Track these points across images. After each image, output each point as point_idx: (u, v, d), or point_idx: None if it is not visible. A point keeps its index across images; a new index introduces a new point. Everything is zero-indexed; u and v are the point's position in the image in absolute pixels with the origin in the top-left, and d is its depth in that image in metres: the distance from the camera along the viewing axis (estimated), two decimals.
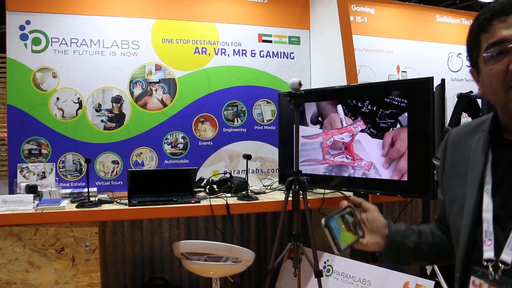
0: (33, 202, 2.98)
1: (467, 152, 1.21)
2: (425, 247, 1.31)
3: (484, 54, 1.04)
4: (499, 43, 1.00)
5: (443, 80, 2.81)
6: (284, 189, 2.96)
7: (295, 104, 2.80)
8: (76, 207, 2.96)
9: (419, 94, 2.82)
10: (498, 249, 1.05)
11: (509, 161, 1.08)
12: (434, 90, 2.81)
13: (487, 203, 1.09)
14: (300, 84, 2.81)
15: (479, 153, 1.15)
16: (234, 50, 3.96)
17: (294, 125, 2.92)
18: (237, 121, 3.97)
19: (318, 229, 3.93)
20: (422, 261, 1.36)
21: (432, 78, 2.77)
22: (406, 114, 2.87)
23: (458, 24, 4.92)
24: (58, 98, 3.51)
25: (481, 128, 1.20)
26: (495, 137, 1.13)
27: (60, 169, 3.51)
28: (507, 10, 1.00)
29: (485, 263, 1.06)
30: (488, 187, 1.10)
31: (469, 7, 11.62)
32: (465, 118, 2.64)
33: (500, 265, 1.03)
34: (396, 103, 2.91)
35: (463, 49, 3.90)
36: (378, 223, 1.27)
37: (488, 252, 1.06)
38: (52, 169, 3.41)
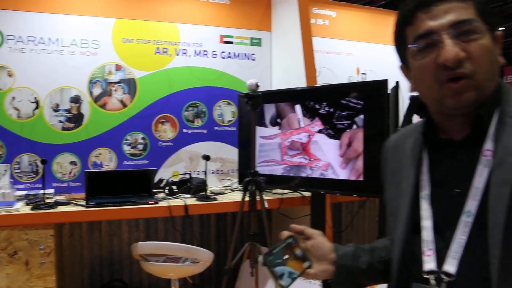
0: None
1: (403, 159, 1.14)
2: (380, 265, 1.21)
3: (411, 47, 0.99)
4: (425, 35, 0.96)
5: (397, 83, 2.88)
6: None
7: (252, 105, 2.82)
8: (31, 209, 2.90)
9: (375, 96, 2.88)
10: (439, 260, 0.97)
11: (448, 161, 1.02)
12: (390, 92, 2.87)
13: (426, 209, 1.02)
14: (257, 86, 2.83)
15: (411, 157, 1.10)
16: (195, 51, 3.95)
17: (251, 126, 2.94)
18: (198, 122, 3.96)
19: (277, 229, 3.97)
20: (379, 280, 1.24)
21: (386, 80, 2.84)
22: (362, 115, 2.92)
23: None
24: (13, 98, 3.43)
25: (416, 130, 1.13)
26: (430, 137, 1.07)
27: (15, 171, 3.43)
28: (430, 0, 0.96)
29: (426, 276, 0.98)
30: (425, 192, 1.04)
31: None
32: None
33: (443, 276, 0.96)
34: (352, 104, 2.96)
35: None
36: (323, 249, 1.16)
37: (429, 263, 0.98)
38: (6, 171, 3.33)
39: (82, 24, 3.62)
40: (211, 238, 3.97)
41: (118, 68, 3.71)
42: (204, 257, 2.95)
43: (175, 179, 3.62)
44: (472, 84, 0.93)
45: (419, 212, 1.04)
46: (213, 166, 3.98)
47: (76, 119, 3.59)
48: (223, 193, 3.53)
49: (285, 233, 1.14)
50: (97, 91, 3.65)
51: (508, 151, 0.92)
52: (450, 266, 0.95)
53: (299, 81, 3.63)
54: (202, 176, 3.69)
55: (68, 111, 3.57)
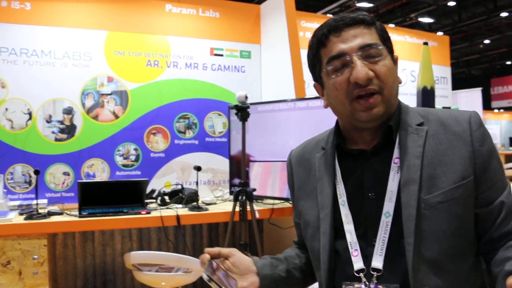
0: None
1: (312, 172, 1.25)
2: (296, 272, 1.29)
3: (327, 68, 1.10)
4: (338, 56, 1.08)
5: None
6: None
7: (242, 116, 2.89)
8: (24, 219, 2.93)
9: None
10: (364, 258, 1.09)
11: (361, 169, 1.14)
12: None
13: (346, 215, 1.13)
14: (246, 97, 2.90)
15: (325, 172, 1.20)
16: (186, 63, 4.03)
17: (241, 137, 3.01)
18: (189, 133, 4.03)
19: (268, 239, 4.03)
20: (297, 286, 1.32)
21: None
22: None
23: (402, 41, 5.16)
24: (6, 109, 3.48)
25: (320, 145, 1.26)
26: (341, 149, 1.19)
27: (9, 181, 3.47)
28: (341, 26, 1.09)
29: (357, 275, 1.08)
30: (343, 199, 1.15)
31: (411, 26, 12.10)
32: None
33: (373, 272, 1.07)
34: None
35: (406, 64, 4.11)
36: (245, 263, 1.19)
37: (358, 263, 1.09)
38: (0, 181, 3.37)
39: (74, 37, 3.68)
40: (203, 248, 4.01)
41: (110, 80, 3.77)
42: (197, 266, 2.98)
43: (167, 190, 3.67)
44: (380, 99, 1.07)
45: (339, 218, 1.15)
46: (205, 176, 4.04)
47: (69, 130, 3.64)
48: (215, 203, 3.58)
49: (206, 257, 1.14)
50: (89, 102, 3.70)
51: (410, 154, 1.08)
52: (377, 262, 1.07)
53: (288, 93, 3.71)
54: (193, 186, 3.74)
55: (61, 122, 3.62)
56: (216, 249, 1.18)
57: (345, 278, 1.11)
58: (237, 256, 1.19)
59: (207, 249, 1.17)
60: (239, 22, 4.26)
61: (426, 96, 3.21)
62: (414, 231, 1.03)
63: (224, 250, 1.19)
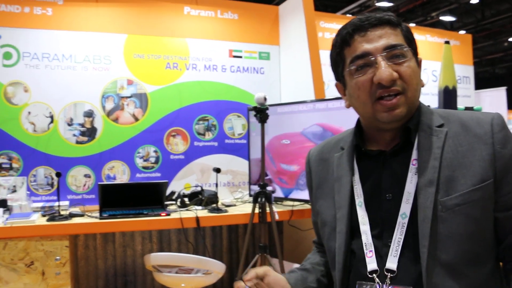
0: (3, 216, 2.99)
1: (330, 172, 1.24)
2: (324, 279, 1.30)
3: (350, 67, 1.10)
4: (362, 56, 1.07)
5: None
6: None
7: (261, 118, 2.89)
8: (47, 220, 2.97)
9: None
10: (379, 258, 1.08)
11: (379, 170, 1.13)
12: None
13: (362, 215, 1.13)
14: (265, 99, 2.90)
15: (343, 172, 1.19)
16: (205, 65, 4.04)
17: (260, 139, 3.00)
18: (208, 135, 4.04)
19: (288, 241, 4.01)
20: None
21: None
22: None
23: (423, 41, 5.09)
24: (29, 112, 3.53)
25: (339, 145, 1.25)
26: (360, 149, 1.18)
27: (32, 183, 3.52)
28: (366, 26, 1.08)
29: (370, 276, 1.08)
30: (360, 200, 1.14)
31: (432, 25, 11.92)
32: None
33: (387, 273, 1.06)
34: None
35: (428, 64, 4.05)
36: (280, 283, 1.19)
37: (372, 264, 1.08)
38: (23, 183, 3.42)
39: (94, 41, 3.73)
40: (223, 249, 4.01)
41: (130, 83, 3.80)
42: (216, 268, 2.99)
43: (187, 192, 3.68)
44: (403, 101, 1.06)
45: (356, 218, 1.14)
46: (224, 178, 4.04)
47: (89, 133, 3.68)
48: (234, 205, 3.58)
49: (241, 286, 1.16)
50: (109, 105, 3.74)
51: (428, 156, 1.07)
52: (392, 263, 1.06)
53: (307, 94, 3.69)
54: (213, 188, 3.74)
55: (82, 125, 3.66)
56: (252, 273, 1.18)
57: (359, 278, 1.10)
58: (271, 277, 1.19)
59: (245, 277, 1.18)
60: (258, 24, 4.25)
61: (448, 96, 3.15)
62: (430, 234, 1.02)
63: (260, 271, 1.19)
